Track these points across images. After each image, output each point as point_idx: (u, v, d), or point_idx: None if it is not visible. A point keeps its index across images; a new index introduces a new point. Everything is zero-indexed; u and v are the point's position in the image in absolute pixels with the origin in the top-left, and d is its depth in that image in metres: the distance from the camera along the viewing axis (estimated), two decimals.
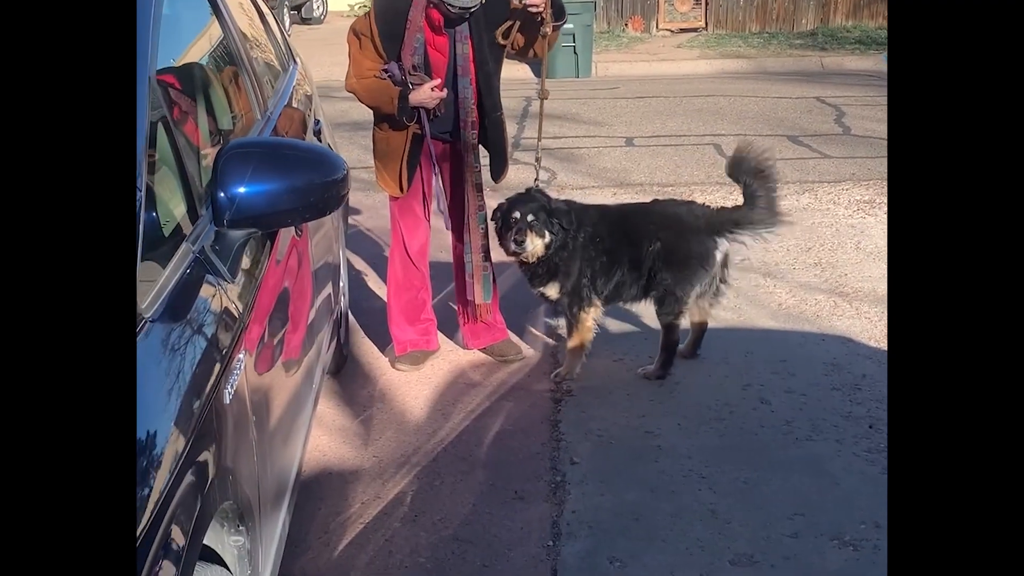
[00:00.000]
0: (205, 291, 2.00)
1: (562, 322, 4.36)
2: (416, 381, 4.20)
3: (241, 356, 2.06)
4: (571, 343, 4.14)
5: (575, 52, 13.24)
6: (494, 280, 4.32)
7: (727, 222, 4.05)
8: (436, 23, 3.80)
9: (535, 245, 3.93)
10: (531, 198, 4.00)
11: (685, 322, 4.21)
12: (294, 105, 3.69)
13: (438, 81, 3.84)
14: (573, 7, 13.20)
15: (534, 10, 3.77)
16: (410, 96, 3.83)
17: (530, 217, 3.92)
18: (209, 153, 2.43)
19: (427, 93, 3.82)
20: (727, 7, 17.12)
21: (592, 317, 4.10)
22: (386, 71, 3.86)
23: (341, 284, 4.18)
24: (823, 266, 5.41)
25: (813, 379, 4.07)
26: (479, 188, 4.08)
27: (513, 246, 3.93)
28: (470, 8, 3.72)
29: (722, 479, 3.38)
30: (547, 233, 3.93)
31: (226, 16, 3.05)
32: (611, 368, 4.26)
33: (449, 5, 3.68)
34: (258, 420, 2.18)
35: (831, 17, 17.07)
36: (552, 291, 4.08)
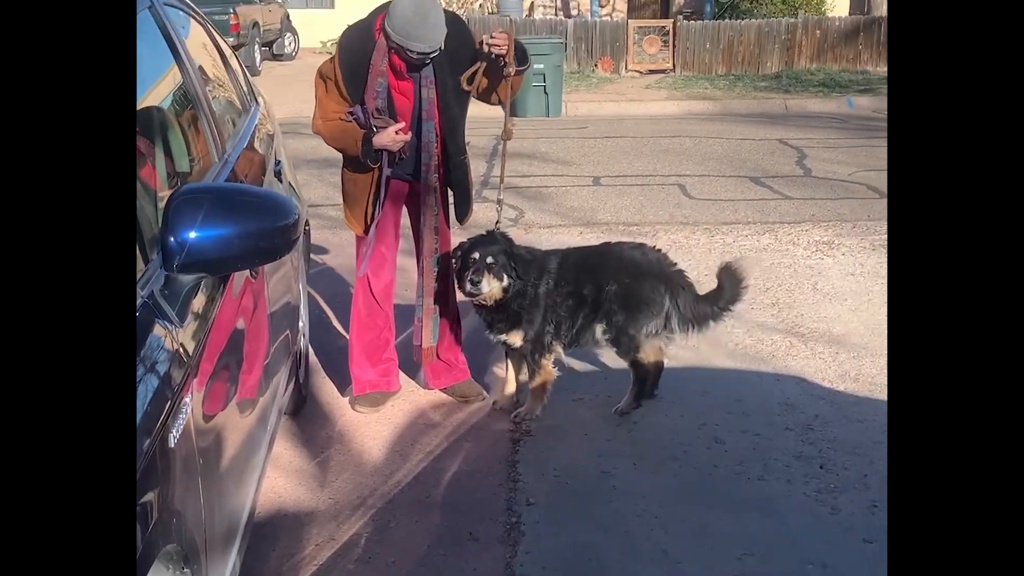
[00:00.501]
0: (154, 334, 2.02)
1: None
2: (376, 422, 4.22)
3: (188, 399, 2.08)
4: (533, 384, 4.18)
5: (545, 92, 13.40)
6: (458, 322, 4.35)
7: (680, 280, 4.17)
8: (399, 68, 3.85)
9: (492, 287, 3.94)
10: (493, 240, 4.03)
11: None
12: (255, 146, 3.72)
13: (402, 124, 3.88)
14: (544, 48, 13.41)
15: (498, 51, 3.83)
16: (374, 139, 3.86)
17: (489, 259, 3.93)
18: (164, 197, 2.46)
19: (391, 136, 3.85)
20: (694, 50, 17.39)
21: (552, 359, 4.15)
22: (351, 114, 3.91)
23: (301, 324, 4.19)
24: (780, 306, 5.49)
25: (767, 419, 4.13)
26: (438, 231, 4.12)
27: (469, 286, 3.93)
28: (429, 54, 3.77)
29: (675, 519, 3.41)
30: (505, 276, 3.95)
31: (185, 58, 3.09)
32: (570, 408, 4.29)
33: (408, 51, 3.74)
34: (206, 463, 2.19)
35: (795, 60, 17.39)
36: (515, 339, 4.08)
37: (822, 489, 3.57)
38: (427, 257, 4.11)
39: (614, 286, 4.05)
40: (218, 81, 3.73)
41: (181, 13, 3.43)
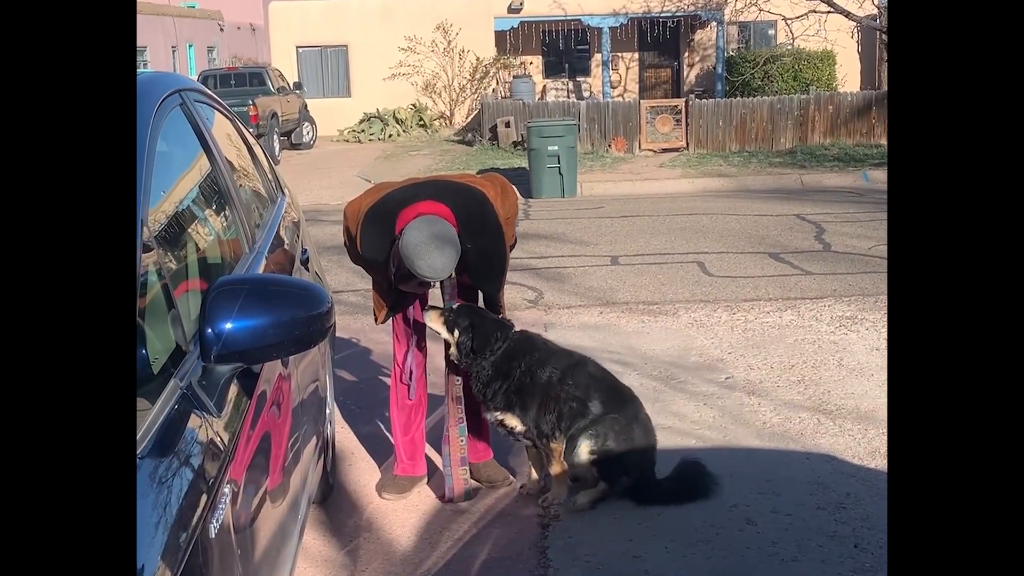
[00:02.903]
0: (192, 425, 2.04)
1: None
2: (403, 509, 4.19)
3: (227, 489, 2.09)
4: (552, 470, 4.15)
5: (560, 173, 13.55)
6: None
7: None
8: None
9: (437, 325, 4.03)
10: (480, 310, 4.14)
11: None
12: (282, 235, 3.78)
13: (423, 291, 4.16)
14: (557, 129, 13.62)
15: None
16: (398, 284, 4.06)
17: (452, 308, 4.04)
18: (198, 289, 2.50)
19: (413, 287, 4.06)
20: (707, 127, 17.58)
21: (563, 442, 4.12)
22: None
23: (327, 411, 4.20)
24: (806, 383, 5.47)
25: (798, 498, 4.08)
26: (459, 400, 4.21)
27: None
28: (434, 281, 3.87)
29: None
30: (456, 331, 4.00)
31: (215, 151, 3.16)
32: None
33: (419, 276, 3.82)
34: (243, 553, 2.18)
35: (809, 136, 17.53)
36: (511, 422, 4.08)
37: (858, 569, 3.52)
38: (453, 427, 4.22)
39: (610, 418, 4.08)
40: (245, 171, 3.81)
41: (209, 108, 3.52)
